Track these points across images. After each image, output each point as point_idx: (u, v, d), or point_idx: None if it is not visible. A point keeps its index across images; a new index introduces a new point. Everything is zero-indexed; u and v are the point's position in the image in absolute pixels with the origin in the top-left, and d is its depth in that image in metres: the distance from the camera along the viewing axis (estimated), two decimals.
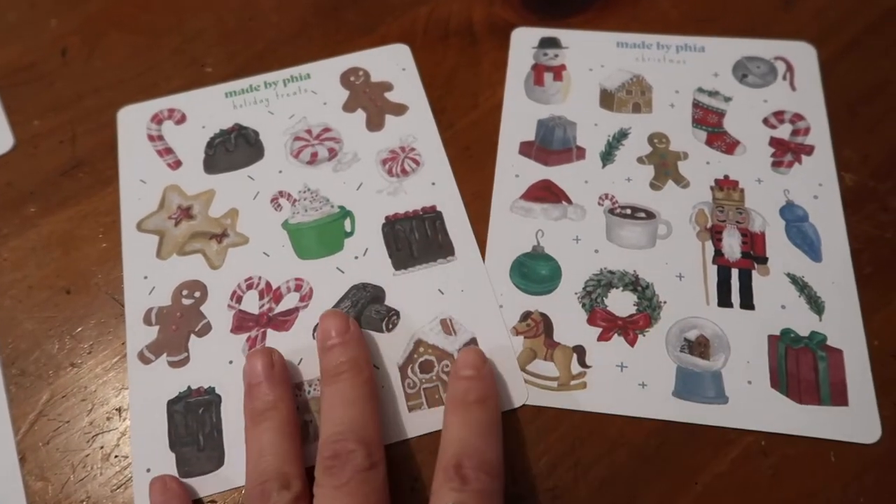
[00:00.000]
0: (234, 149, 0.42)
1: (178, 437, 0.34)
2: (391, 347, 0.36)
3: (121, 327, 0.37)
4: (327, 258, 0.38)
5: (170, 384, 0.35)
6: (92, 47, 0.47)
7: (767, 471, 0.32)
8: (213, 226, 0.39)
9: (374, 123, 0.43)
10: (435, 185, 0.40)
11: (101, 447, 0.34)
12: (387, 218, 0.39)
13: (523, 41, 0.45)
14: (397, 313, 0.36)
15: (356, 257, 0.38)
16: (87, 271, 0.39)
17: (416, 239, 0.38)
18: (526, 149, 0.41)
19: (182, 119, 0.43)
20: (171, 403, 0.35)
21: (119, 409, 0.35)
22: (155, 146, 0.42)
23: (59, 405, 0.35)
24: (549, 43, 0.45)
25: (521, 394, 0.34)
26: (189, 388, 0.35)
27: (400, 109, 0.43)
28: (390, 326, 0.36)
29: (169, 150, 0.42)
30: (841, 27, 0.45)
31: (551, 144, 0.41)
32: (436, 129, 0.42)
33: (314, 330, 0.36)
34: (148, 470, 0.33)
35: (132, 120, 0.43)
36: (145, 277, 0.38)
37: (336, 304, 0.37)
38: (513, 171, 0.41)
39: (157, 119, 0.43)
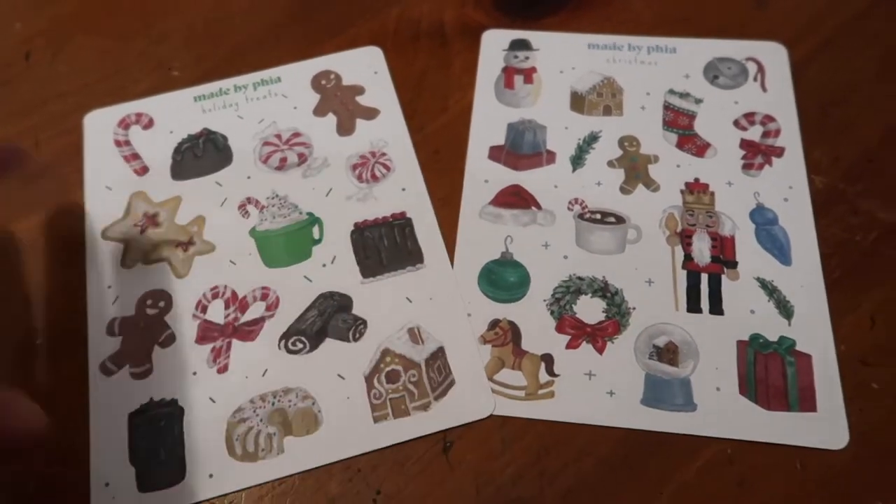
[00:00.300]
0: (202, 154, 0.41)
1: (139, 451, 0.33)
2: (358, 357, 0.35)
3: None
4: (295, 266, 0.38)
5: (132, 396, 0.34)
6: (56, 50, 0.46)
7: (733, 479, 0.32)
8: (180, 233, 0.39)
9: (345, 128, 0.42)
10: (405, 191, 0.40)
11: None
12: (356, 225, 0.39)
13: (494, 43, 0.45)
14: (364, 322, 0.36)
15: (324, 265, 0.38)
16: None
17: (385, 246, 0.38)
18: (496, 153, 0.41)
19: (150, 124, 0.43)
20: (133, 416, 0.34)
21: None
22: (122, 152, 0.42)
23: None
24: (519, 45, 0.45)
25: (488, 404, 0.34)
26: (151, 399, 0.34)
27: (371, 113, 0.43)
28: (357, 336, 0.36)
29: (136, 156, 0.42)
30: (814, 27, 0.45)
31: (521, 148, 0.41)
32: (407, 133, 0.42)
33: (280, 340, 0.36)
34: (106, 484, 0.33)
35: (99, 125, 0.43)
36: (109, 287, 0.37)
37: (303, 314, 0.36)
38: (482, 176, 0.40)
39: (125, 124, 0.43)
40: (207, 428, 0.34)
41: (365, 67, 0.44)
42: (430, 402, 0.34)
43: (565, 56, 0.44)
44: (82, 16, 0.47)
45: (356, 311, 0.36)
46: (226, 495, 0.33)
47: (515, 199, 0.39)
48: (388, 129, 0.42)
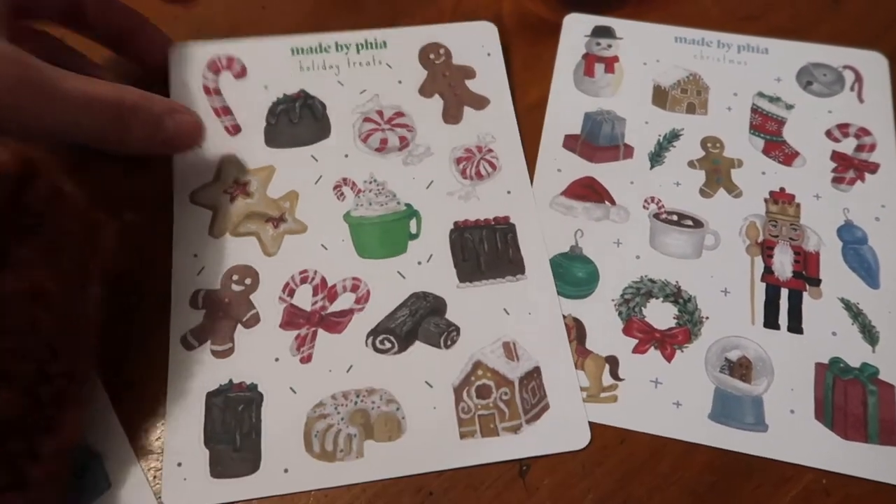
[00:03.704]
0: (298, 121, 0.38)
1: (214, 434, 0.31)
2: (447, 366, 0.33)
3: None
4: (388, 259, 0.35)
5: (211, 375, 0.32)
6: None
7: None
8: (271, 207, 0.36)
9: (452, 115, 0.39)
10: (511, 195, 0.37)
11: None
12: (456, 224, 0.36)
13: (575, 28, 0.43)
14: (457, 329, 0.34)
15: (419, 263, 0.35)
16: None
17: (485, 250, 0.35)
18: (571, 142, 0.39)
19: (242, 72, 0.39)
20: (211, 396, 0.32)
21: None
22: (212, 102, 0.38)
23: None
24: (602, 32, 0.43)
25: (584, 435, 0.31)
26: (231, 381, 0.32)
27: (481, 103, 0.40)
28: (449, 343, 0.33)
29: (227, 111, 0.38)
30: (893, 29, 0.42)
31: (598, 140, 0.39)
32: (517, 130, 0.39)
33: (367, 336, 0.33)
34: (179, 464, 0.31)
35: (186, 62, 0.38)
36: (195, 255, 0.35)
37: (393, 312, 0.34)
38: (555, 165, 0.38)
39: (215, 68, 0.39)
40: (286, 419, 0.31)
41: (478, 46, 0.41)
42: (521, 425, 0.32)
43: (650, 47, 0.42)
44: None
45: (449, 316, 0.34)
46: (299, 494, 0.30)
47: (589, 191, 0.38)
48: (497, 122, 0.39)
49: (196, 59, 0.39)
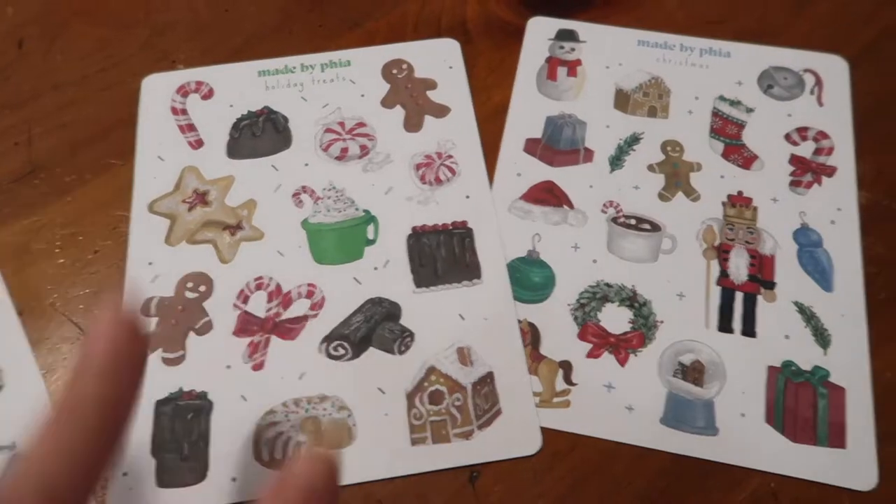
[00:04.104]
0: (260, 134, 0.39)
1: (162, 442, 0.31)
2: (401, 372, 0.33)
3: (75, 353, 0.33)
4: (345, 265, 0.36)
5: (161, 383, 0.33)
6: (51, 39, 0.42)
7: None
8: (229, 215, 0.37)
9: (413, 123, 0.40)
10: (469, 199, 0.37)
11: None
12: (414, 229, 0.36)
13: (539, 32, 0.43)
14: (412, 335, 0.34)
15: (375, 268, 0.36)
16: (42, 290, 0.35)
17: (441, 256, 0.36)
18: (531, 146, 0.39)
19: (209, 94, 0.40)
20: (160, 404, 0.32)
21: None
22: (178, 120, 0.40)
23: None
24: (566, 35, 0.43)
25: (535, 441, 0.32)
26: (181, 389, 0.33)
27: (441, 111, 0.40)
28: (402, 349, 0.34)
29: (192, 127, 0.40)
30: (857, 33, 0.42)
31: (558, 143, 0.39)
32: (478, 136, 0.39)
33: (321, 342, 0.34)
34: (124, 474, 0.31)
35: (157, 89, 0.40)
36: (150, 263, 0.35)
37: (348, 318, 0.34)
38: (515, 169, 0.39)
39: (184, 91, 0.40)
40: (235, 427, 0.32)
41: (440, 61, 0.42)
42: (473, 431, 0.32)
43: (613, 51, 0.42)
44: (78, 2, 0.44)
45: (404, 321, 0.34)
46: (247, 503, 0.31)
47: (548, 195, 0.38)
48: (457, 129, 0.39)
49: (167, 85, 0.41)
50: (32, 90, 0.41)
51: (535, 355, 0.34)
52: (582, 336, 0.34)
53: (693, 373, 0.33)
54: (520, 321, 0.34)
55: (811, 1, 0.43)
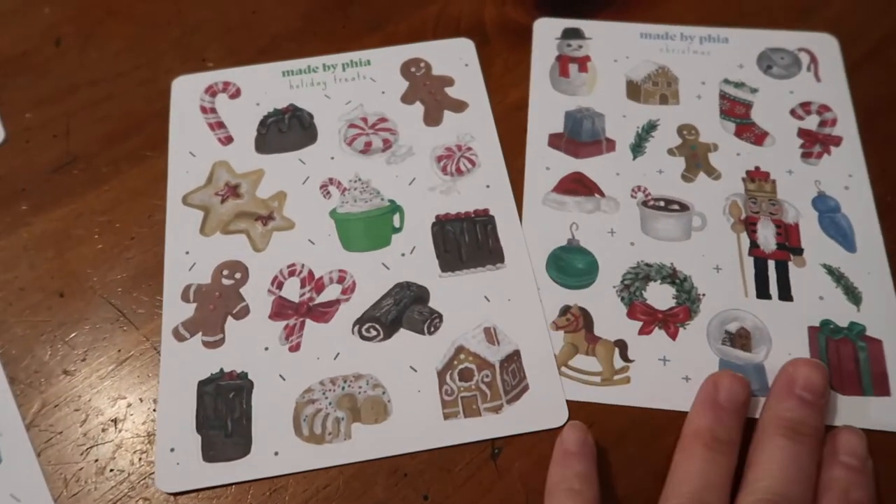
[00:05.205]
0: (287, 130, 0.41)
1: (206, 420, 0.33)
2: (431, 351, 0.34)
3: (117, 333, 0.35)
4: (373, 252, 0.37)
5: (202, 364, 0.34)
6: (87, 37, 0.45)
7: None
8: (260, 207, 0.38)
9: (432, 118, 0.41)
10: (490, 189, 0.39)
11: (96, 460, 0.32)
12: (437, 217, 0.38)
13: (546, 32, 0.45)
14: (440, 316, 0.35)
15: (402, 255, 0.37)
16: (82, 273, 0.37)
17: (465, 242, 0.37)
18: (555, 140, 0.41)
19: (237, 94, 0.42)
20: (202, 384, 0.34)
21: (115, 420, 0.33)
22: (207, 119, 0.41)
23: (50, 415, 0.33)
24: (572, 34, 0.45)
25: (562, 413, 0.33)
26: (222, 370, 0.34)
27: (459, 106, 0.42)
28: (432, 329, 0.35)
29: (221, 125, 0.41)
30: (864, 33, 0.44)
31: (580, 136, 0.41)
32: (495, 129, 0.41)
33: (353, 325, 0.35)
34: (172, 450, 0.32)
35: (186, 90, 0.42)
36: (187, 252, 0.37)
37: (378, 301, 0.36)
38: (543, 164, 0.40)
39: (212, 91, 0.42)
40: (276, 405, 0.33)
41: (456, 59, 0.43)
42: (503, 405, 0.33)
43: (618, 45, 0.44)
44: (113, 1, 0.46)
45: (432, 304, 0.36)
46: (290, 475, 0.32)
47: (578, 186, 0.39)
48: (475, 123, 0.41)
49: (196, 86, 0.42)
50: (70, 86, 0.43)
51: (590, 338, 0.35)
52: (631, 315, 0.35)
53: (740, 339, 0.35)
54: (570, 307, 0.36)
55: (818, 8, 0.46)
